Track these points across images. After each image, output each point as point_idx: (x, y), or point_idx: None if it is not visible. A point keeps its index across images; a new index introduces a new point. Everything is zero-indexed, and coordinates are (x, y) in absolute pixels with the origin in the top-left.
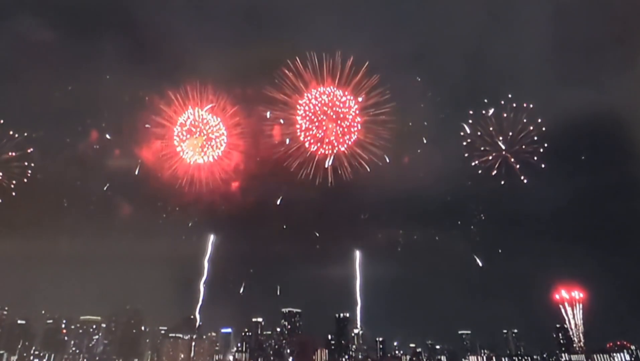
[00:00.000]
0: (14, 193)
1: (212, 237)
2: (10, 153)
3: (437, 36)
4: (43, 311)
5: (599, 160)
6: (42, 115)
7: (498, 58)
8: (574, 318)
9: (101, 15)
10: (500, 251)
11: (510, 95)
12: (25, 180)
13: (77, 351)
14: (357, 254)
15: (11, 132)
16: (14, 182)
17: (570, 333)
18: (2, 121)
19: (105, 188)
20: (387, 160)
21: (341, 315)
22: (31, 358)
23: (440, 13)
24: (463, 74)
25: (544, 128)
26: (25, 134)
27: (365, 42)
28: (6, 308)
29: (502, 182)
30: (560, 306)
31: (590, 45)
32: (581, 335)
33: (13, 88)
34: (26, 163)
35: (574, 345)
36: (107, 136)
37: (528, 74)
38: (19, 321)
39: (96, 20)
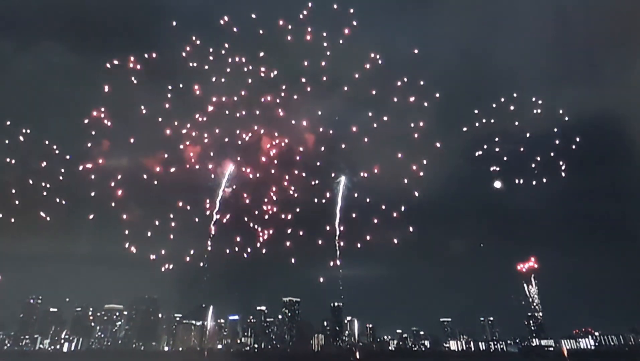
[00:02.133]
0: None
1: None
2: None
3: (435, 37)
4: (67, 300)
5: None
6: (64, 129)
7: (498, 58)
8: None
9: (119, 38)
10: (482, 245)
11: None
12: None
13: (102, 335)
14: (337, 252)
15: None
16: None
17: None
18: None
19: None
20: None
21: (336, 303)
22: (62, 341)
23: (440, 14)
24: (462, 74)
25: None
26: (55, 147)
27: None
28: (40, 298)
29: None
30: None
31: (590, 45)
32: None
33: (39, 106)
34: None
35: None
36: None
37: (528, 74)
38: (51, 309)
39: (114, 43)
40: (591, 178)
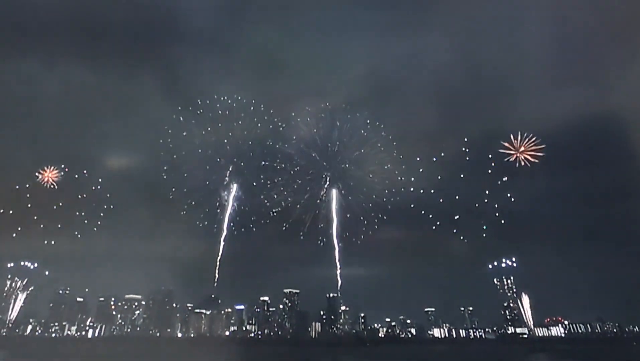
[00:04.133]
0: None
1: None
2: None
3: (433, 38)
4: (87, 290)
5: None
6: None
7: (497, 59)
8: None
9: (138, 58)
10: (465, 240)
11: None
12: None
13: (123, 323)
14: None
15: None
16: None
17: (517, 309)
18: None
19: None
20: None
21: (331, 295)
22: (87, 328)
23: (438, 15)
24: (461, 75)
25: None
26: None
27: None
28: (68, 289)
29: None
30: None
31: (590, 45)
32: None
33: (63, 124)
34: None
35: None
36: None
37: (528, 74)
38: (77, 299)
39: (134, 63)
40: (575, 179)
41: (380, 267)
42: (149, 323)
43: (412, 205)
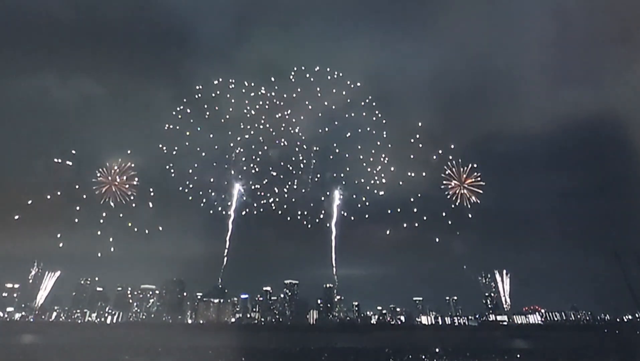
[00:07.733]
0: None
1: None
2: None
3: (434, 38)
4: (97, 278)
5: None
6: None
7: (498, 59)
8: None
9: (150, 71)
10: (458, 233)
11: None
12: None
13: (138, 310)
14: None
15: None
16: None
17: (499, 299)
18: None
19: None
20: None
21: (327, 285)
22: (106, 315)
23: (439, 15)
24: (461, 76)
25: None
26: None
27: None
28: (89, 279)
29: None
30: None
31: (590, 45)
32: (508, 299)
33: (80, 135)
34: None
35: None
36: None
37: (528, 74)
38: (97, 289)
39: (146, 75)
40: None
41: (375, 261)
42: (162, 311)
43: (408, 203)
